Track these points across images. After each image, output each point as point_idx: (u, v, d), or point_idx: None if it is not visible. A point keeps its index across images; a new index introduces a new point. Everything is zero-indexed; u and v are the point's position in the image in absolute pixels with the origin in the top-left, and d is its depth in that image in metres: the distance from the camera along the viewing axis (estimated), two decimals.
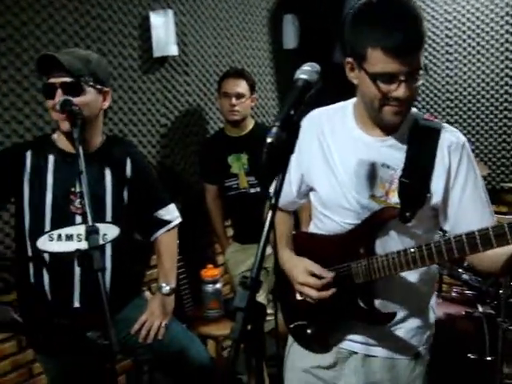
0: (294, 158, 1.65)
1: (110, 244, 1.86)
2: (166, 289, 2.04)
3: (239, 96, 2.76)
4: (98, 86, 1.83)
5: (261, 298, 2.88)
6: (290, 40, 3.57)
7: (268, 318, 1.18)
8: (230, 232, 3.11)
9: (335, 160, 1.50)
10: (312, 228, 1.67)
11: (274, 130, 1.07)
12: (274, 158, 1.08)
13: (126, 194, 1.94)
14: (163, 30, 2.79)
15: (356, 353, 1.58)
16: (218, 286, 2.45)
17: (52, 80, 1.77)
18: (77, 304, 1.84)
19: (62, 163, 1.85)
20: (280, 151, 1.09)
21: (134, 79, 2.74)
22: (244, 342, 1.10)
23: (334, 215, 1.53)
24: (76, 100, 1.74)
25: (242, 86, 2.78)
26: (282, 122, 1.07)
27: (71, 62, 1.75)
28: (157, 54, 2.79)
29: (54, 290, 1.85)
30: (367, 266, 1.45)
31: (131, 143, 2.24)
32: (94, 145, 1.90)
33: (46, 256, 1.82)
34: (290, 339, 1.72)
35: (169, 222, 2.07)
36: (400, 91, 1.31)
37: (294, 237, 1.73)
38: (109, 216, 1.87)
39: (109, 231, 1.86)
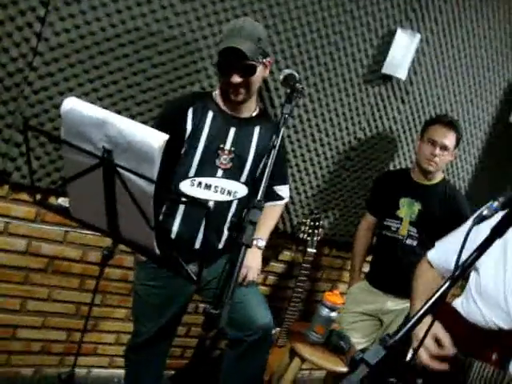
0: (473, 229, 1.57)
1: (237, 201, 2.03)
2: (261, 242, 2.17)
3: (444, 148, 2.53)
4: (264, 60, 1.93)
5: (361, 345, 2.71)
6: None
7: None
8: (366, 268, 2.96)
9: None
10: (457, 303, 1.57)
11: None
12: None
13: (261, 164, 2.07)
14: (402, 50, 2.70)
15: None
16: (334, 314, 2.33)
17: (229, 61, 1.84)
18: (197, 245, 2.00)
19: (218, 120, 1.98)
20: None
21: (353, 84, 2.70)
22: None
23: (484, 307, 1.41)
24: (249, 80, 1.88)
25: (450, 139, 2.55)
26: None
27: (250, 49, 1.83)
28: (385, 70, 2.72)
29: (181, 229, 1.99)
30: (491, 376, 1.30)
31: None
32: (249, 110, 2.03)
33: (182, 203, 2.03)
34: None
35: (281, 198, 2.25)
36: None
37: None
38: (244, 177, 2.03)
39: (239, 190, 2.02)
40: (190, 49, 2.26)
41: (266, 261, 2.84)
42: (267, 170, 1.48)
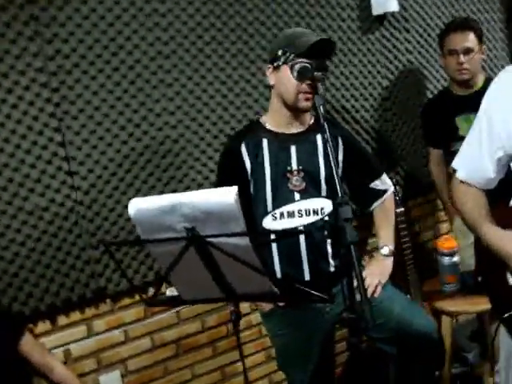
0: (485, 128, 1.49)
1: (328, 218, 1.89)
2: (385, 250, 2.03)
3: (467, 51, 2.42)
4: None
5: None
6: None
7: None
8: None
9: None
10: None
11: None
12: None
13: (339, 170, 1.88)
14: None
15: None
16: (456, 258, 2.26)
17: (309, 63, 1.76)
18: (307, 277, 1.88)
19: (275, 145, 1.89)
20: None
21: (354, 41, 2.63)
22: None
23: None
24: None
25: (469, 40, 2.43)
26: None
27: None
28: (376, 11, 2.63)
29: (284, 267, 1.90)
30: None
31: (339, 123, 2.37)
32: (303, 123, 1.93)
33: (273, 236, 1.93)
34: (503, 331, 1.48)
35: (384, 192, 2.07)
36: None
37: (493, 212, 1.52)
38: (323, 191, 1.89)
39: (325, 205, 1.89)
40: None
41: (364, 241, 2.79)
42: (334, 169, 1.45)
